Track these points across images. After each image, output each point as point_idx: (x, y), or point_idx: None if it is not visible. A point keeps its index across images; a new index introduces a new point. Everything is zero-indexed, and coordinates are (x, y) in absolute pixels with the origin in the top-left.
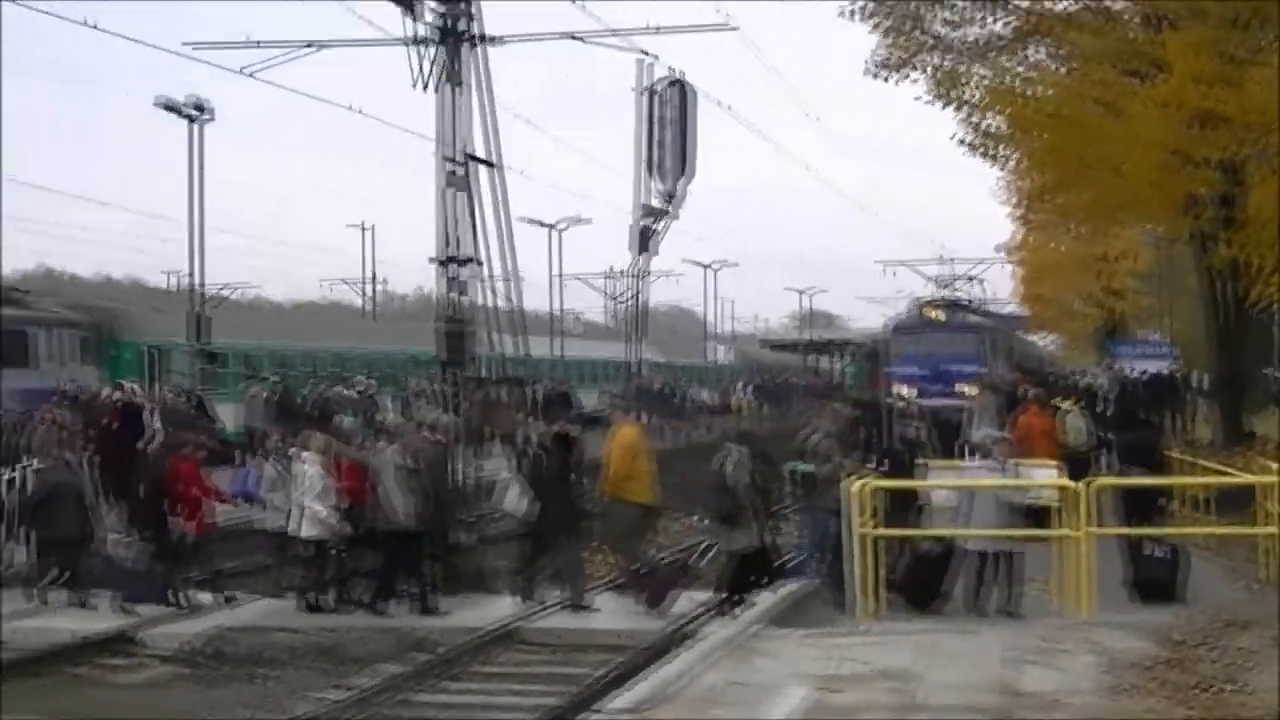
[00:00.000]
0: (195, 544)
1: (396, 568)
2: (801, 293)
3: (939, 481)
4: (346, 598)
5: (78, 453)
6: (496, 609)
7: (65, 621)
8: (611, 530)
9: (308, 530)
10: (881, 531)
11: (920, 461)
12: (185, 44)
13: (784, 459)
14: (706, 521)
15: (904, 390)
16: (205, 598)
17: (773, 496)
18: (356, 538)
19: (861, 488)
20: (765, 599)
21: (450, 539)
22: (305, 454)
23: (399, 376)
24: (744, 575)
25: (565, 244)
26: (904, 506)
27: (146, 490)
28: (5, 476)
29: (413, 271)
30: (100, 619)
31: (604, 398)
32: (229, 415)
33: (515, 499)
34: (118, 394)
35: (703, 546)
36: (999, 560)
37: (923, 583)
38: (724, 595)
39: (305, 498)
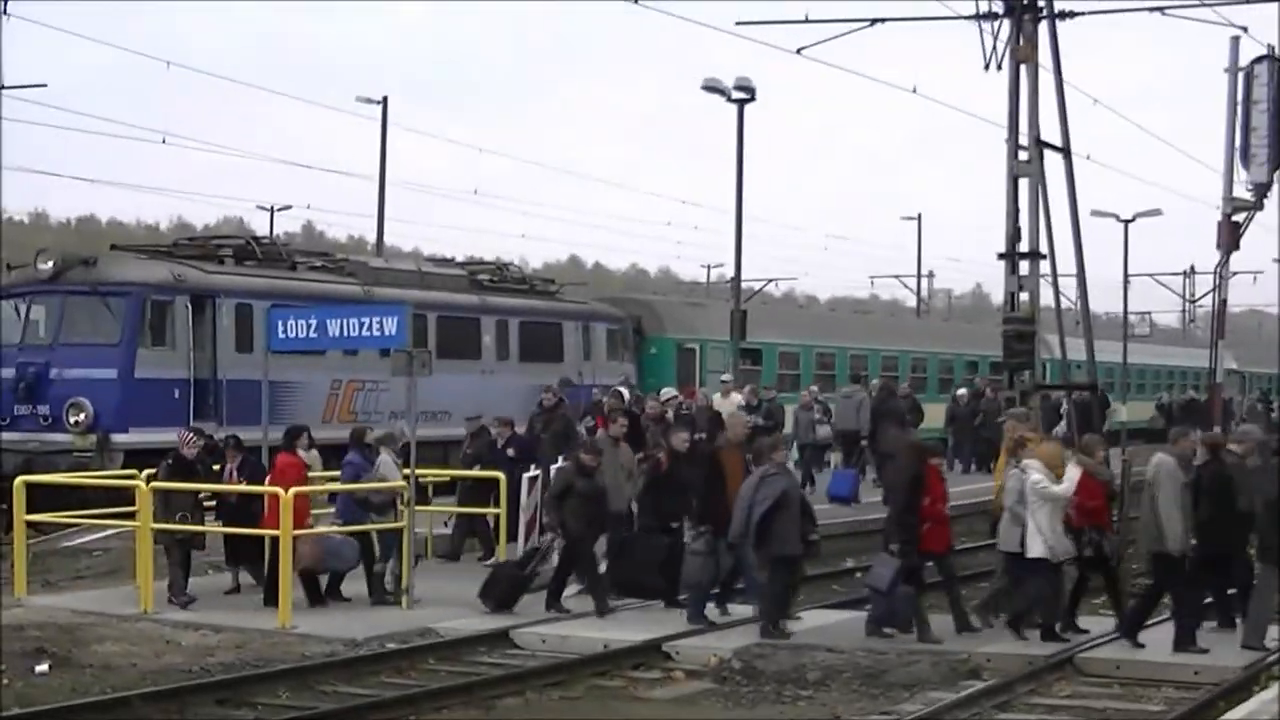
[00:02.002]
0: (942, 563)
1: (1158, 597)
2: None
3: None
4: (1072, 624)
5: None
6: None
7: (598, 631)
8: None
9: (1035, 548)
10: None
11: None
12: (738, 23)
13: None
14: None
15: None
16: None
17: None
18: (1091, 559)
19: None
20: None
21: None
22: (1031, 463)
23: (954, 380)
24: None
25: (1135, 239)
26: None
27: (901, 499)
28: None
29: (964, 266)
30: (631, 629)
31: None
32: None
33: None
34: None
35: None
36: None
37: None
38: None
39: (1032, 512)
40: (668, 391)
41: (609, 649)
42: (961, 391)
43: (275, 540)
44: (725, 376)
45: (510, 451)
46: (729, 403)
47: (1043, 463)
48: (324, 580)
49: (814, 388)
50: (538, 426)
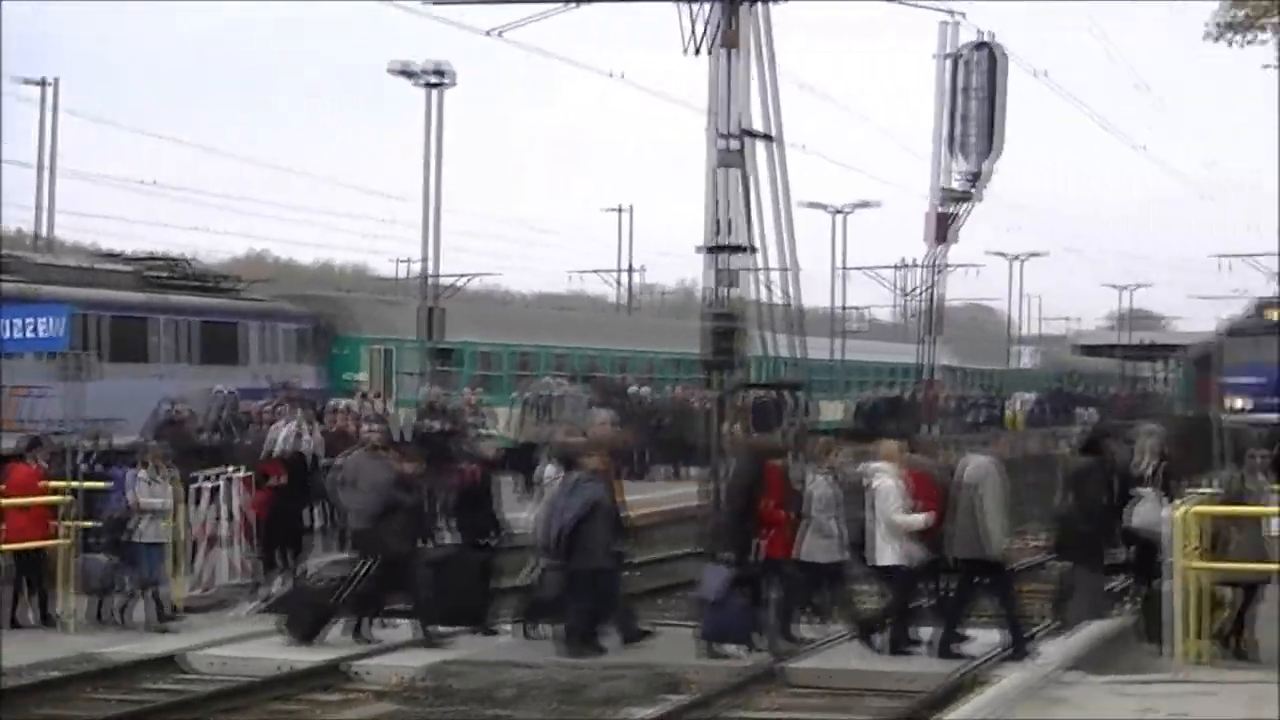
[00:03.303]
0: (780, 571)
1: (968, 602)
2: (1121, 289)
3: None
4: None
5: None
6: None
7: (276, 652)
8: None
9: (887, 556)
10: (1205, 565)
11: None
12: (426, 0)
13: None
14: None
15: (1238, 403)
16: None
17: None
18: (933, 566)
19: (1185, 514)
20: (1066, 640)
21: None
22: (877, 465)
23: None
24: None
25: (851, 231)
26: None
27: (737, 503)
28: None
29: (676, 261)
30: (315, 651)
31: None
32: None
33: (1149, 513)
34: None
35: None
36: None
37: None
38: None
39: (883, 517)
40: (340, 402)
41: (289, 670)
42: (634, 390)
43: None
44: (355, 375)
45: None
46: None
47: (887, 462)
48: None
49: (477, 389)
50: None
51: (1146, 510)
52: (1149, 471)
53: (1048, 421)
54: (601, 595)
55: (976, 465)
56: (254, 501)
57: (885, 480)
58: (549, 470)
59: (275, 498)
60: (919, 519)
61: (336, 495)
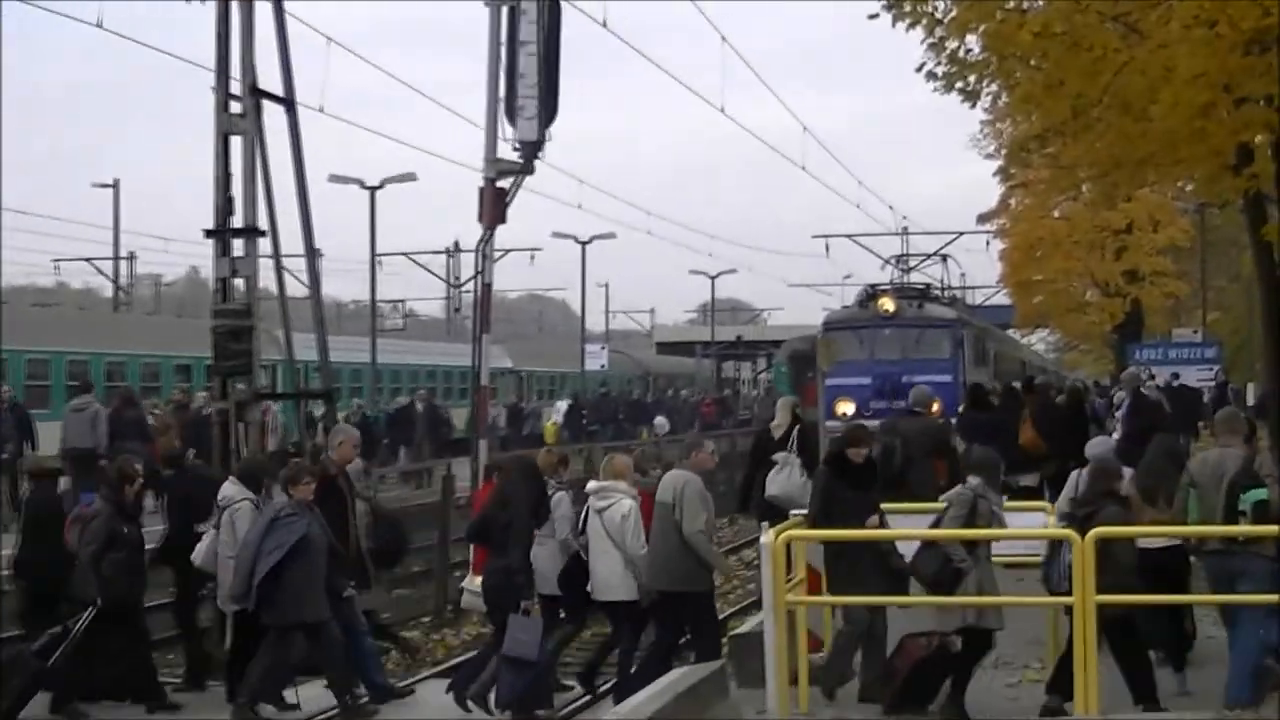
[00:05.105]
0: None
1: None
2: (712, 277)
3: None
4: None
5: None
6: None
7: None
8: None
9: (622, 591)
10: (806, 599)
11: None
12: None
13: None
14: None
15: (844, 406)
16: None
17: None
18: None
19: (780, 539)
20: (651, 686)
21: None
22: (608, 484)
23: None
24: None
25: (399, 213)
26: None
27: (525, 537)
28: None
29: (178, 247)
30: None
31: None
32: None
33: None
34: None
35: None
36: None
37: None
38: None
39: (624, 547)
40: None
41: None
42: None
43: None
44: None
45: None
46: None
47: (621, 480)
48: None
49: None
50: None
51: (784, 478)
52: (780, 434)
53: (584, 435)
54: (318, 650)
55: (670, 479)
56: None
57: (625, 503)
58: (228, 490)
59: None
60: (638, 564)
61: None
